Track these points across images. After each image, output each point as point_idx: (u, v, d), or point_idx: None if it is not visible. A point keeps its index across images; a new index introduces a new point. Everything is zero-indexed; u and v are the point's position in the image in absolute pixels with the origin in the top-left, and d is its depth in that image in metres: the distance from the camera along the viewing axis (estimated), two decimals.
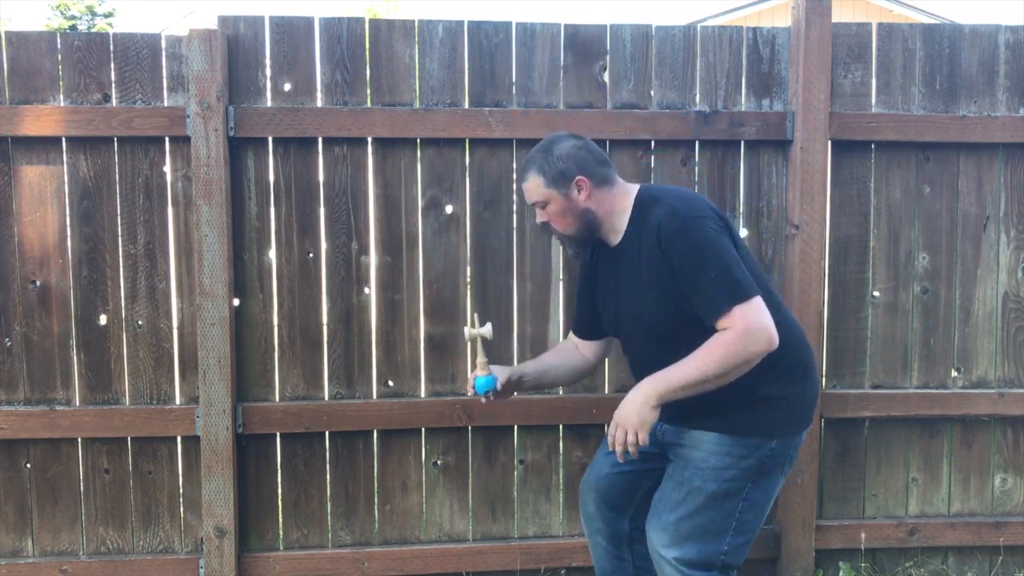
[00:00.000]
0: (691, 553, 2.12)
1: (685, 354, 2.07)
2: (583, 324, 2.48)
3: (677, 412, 2.15)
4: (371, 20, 2.78)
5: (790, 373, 2.14)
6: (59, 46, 2.69)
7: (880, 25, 2.91)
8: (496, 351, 2.87)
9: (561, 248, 2.85)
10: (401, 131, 2.75)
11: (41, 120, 2.66)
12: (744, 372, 2.01)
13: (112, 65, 2.70)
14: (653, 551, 2.19)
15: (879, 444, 3.01)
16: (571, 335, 2.55)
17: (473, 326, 2.35)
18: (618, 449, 2.09)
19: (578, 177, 2.18)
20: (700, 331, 2.05)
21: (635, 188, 2.24)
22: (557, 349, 2.57)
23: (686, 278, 2.05)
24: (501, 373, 2.36)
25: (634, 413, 2.06)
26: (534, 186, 2.22)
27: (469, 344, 2.38)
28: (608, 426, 2.90)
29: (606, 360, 2.89)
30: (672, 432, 2.22)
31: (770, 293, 2.16)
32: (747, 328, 1.98)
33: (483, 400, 2.37)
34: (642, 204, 2.18)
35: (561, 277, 2.88)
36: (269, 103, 2.75)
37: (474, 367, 2.37)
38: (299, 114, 2.72)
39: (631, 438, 2.06)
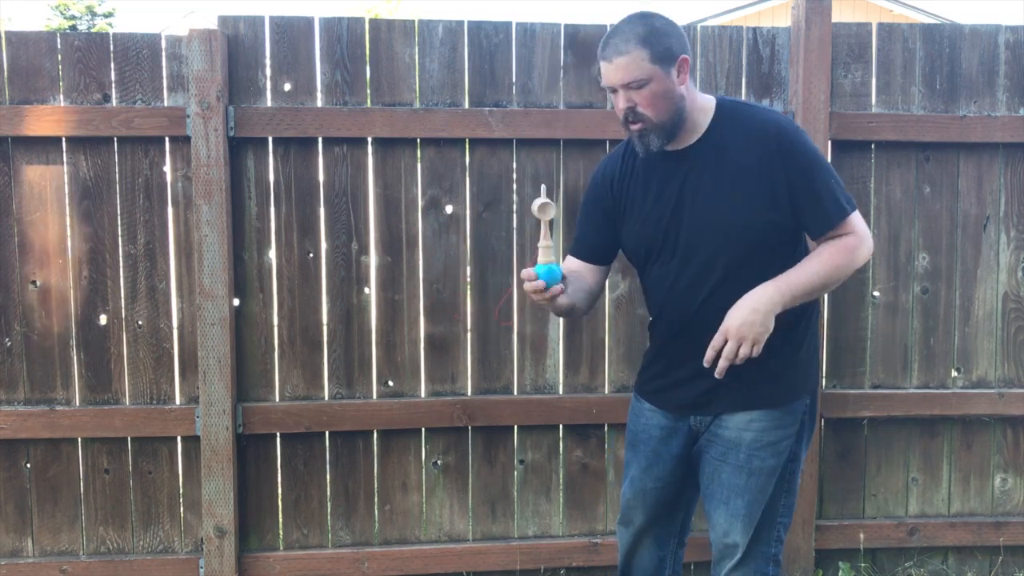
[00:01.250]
0: (759, 530, 2.10)
1: (755, 278, 1.94)
2: (592, 243, 2.20)
3: (715, 400, 2.07)
4: (371, 20, 2.78)
5: (810, 320, 2.13)
6: (59, 46, 2.69)
7: (880, 25, 2.91)
8: (496, 351, 2.87)
9: (561, 248, 2.85)
10: (401, 131, 2.75)
11: (41, 120, 2.66)
12: (846, 279, 2.04)
13: (112, 65, 2.70)
14: (721, 534, 2.12)
15: (879, 444, 3.01)
16: (571, 262, 2.23)
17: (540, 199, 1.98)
18: (722, 364, 1.91)
19: (682, 56, 1.96)
20: (779, 256, 1.99)
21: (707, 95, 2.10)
22: (571, 275, 2.13)
23: (808, 183, 1.96)
24: None
25: (757, 322, 1.89)
26: (636, 60, 1.91)
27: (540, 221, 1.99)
28: (607, 427, 2.92)
29: (605, 359, 2.90)
30: (706, 422, 2.12)
31: None
32: (865, 233, 2.02)
33: (555, 290, 1.95)
34: (730, 109, 2.04)
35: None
36: (269, 103, 2.75)
37: (535, 252, 2.04)
38: (299, 114, 2.72)
39: (745, 350, 1.90)
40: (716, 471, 2.11)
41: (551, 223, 1.99)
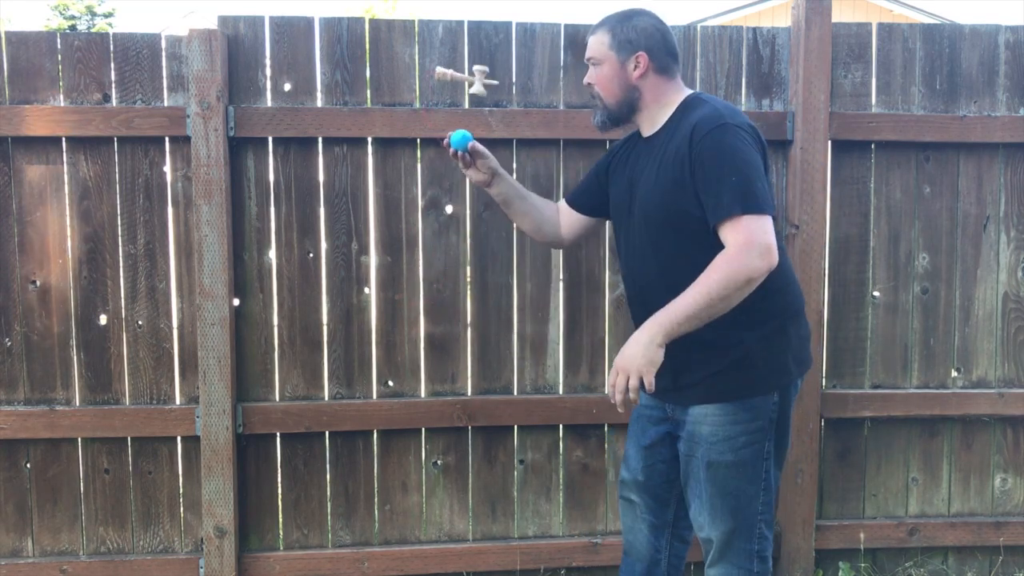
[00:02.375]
0: (728, 524, 2.11)
1: (682, 269, 2.01)
2: (581, 194, 2.45)
3: (674, 390, 2.13)
4: (371, 20, 2.78)
5: (779, 316, 2.09)
6: (59, 46, 2.69)
7: (880, 25, 2.91)
8: (496, 351, 2.87)
9: (561, 248, 2.85)
10: (401, 131, 2.75)
11: (41, 120, 2.66)
12: (746, 294, 1.92)
13: (112, 65, 2.70)
14: (697, 528, 2.17)
15: (879, 444, 3.01)
16: (561, 201, 2.50)
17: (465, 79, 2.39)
18: (618, 397, 1.96)
19: (640, 52, 2.13)
20: (701, 250, 2.00)
21: (688, 91, 2.21)
22: (545, 200, 2.53)
23: (704, 175, 1.98)
24: (487, 153, 2.36)
25: (638, 354, 1.93)
26: (598, 41, 2.17)
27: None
28: (607, 427, 2.92)
29: (605, 359, 2.90)
30: (679, 410, 2.18)
31: (779, 231, 2.16)
32: (749, 242, 1.91)
33: (452, 152, 2.32)
34: (688, 104, 2.14)
35: (561, 277, 2.89)
36: (269, 103, 2.75)
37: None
38: (299, 114, 2.72)
39: (633, 382, 1.94)
40: (686, 466, 2.17)
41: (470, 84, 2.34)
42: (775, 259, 1.94)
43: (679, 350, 2.02)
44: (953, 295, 2.97)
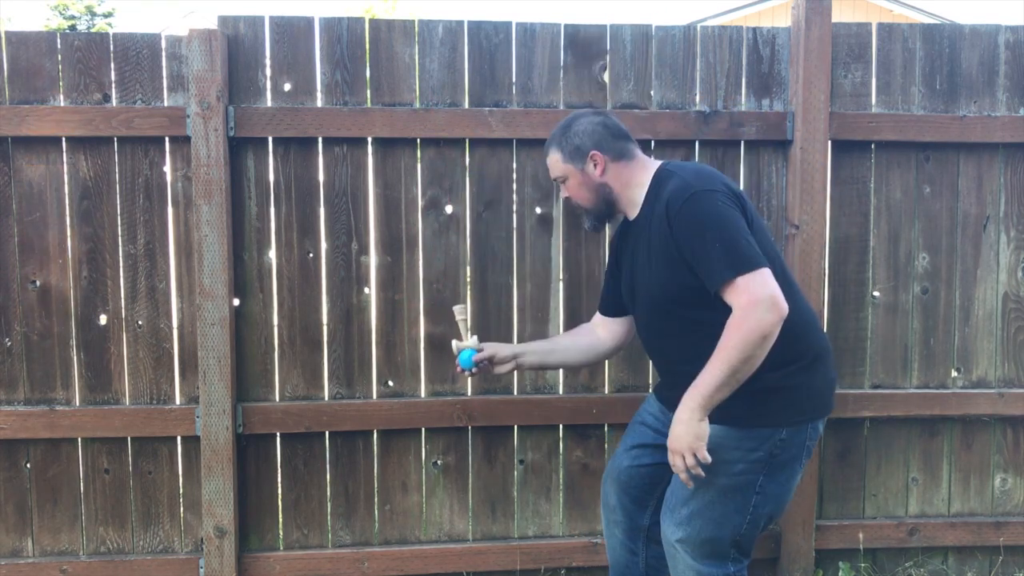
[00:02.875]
0: (700, 539, 2.13)
1: (691, 331, 2.10)
2: (606, 299, 2.50)
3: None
4: (371, 20, 2.78)
5: (798, 360, 2.11)
6: (59, 46, 2.69)
7: (880, 25, 2.91)
8: None
9: (561, 248, 2.85)
10: (401, 131, 2.74)
11: (41, 120, 2.66)
12: (768, 348, 1.97)
13: (112, 65, 2.70)
14: (666, 543, 2.20)
15: (879, 444, 3.01)
16: (596, 315, 2.55)
17: (464, 327, 2.42)
18: (682, 477, 2.07)
19: (592, 152, 2.23)
20: (709, 306, 2.06)
21: (656, 164, 2.25)
22: (574, 329, 2.60)
23: (691, 249, 2.04)
24: (498, 348, 2.42)
25: (685, 434, 2.03)
26: (553, 161, 2.30)
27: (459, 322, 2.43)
28: (607, 427, 2.92)
29: (611, 354, 2.90)
30: None
31: (786, 273, 2.17)
32: (752, 301, 1.95)
33: (468, 374, 2.40)
34: (659, 179, 2.19)
35: (561, 277, 2.88)
36: (269, 103, 2.75)
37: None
38: (299, 114, 2.72)
39: (690, 460, 2.04)
40: (674, 478, 2.20)
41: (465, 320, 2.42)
42: (784, 307, 1.98)
43: (700, 368, 2.06)
44: (953, 295, 2.97)
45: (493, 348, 2.42)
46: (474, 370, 2.38)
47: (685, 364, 2.12)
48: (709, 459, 2.04)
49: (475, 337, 2.42)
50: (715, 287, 2.01)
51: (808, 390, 2.14)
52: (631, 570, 2.46)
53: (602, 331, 2.49)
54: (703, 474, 2.06)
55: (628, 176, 2.24)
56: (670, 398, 2.23)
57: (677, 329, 2.17)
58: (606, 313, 2.49)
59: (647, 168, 2.24)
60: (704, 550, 2.14)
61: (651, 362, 2.35)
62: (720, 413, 2.08)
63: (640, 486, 2.37)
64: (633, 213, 2.27)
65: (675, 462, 2.07)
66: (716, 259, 1.99)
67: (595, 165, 2.24)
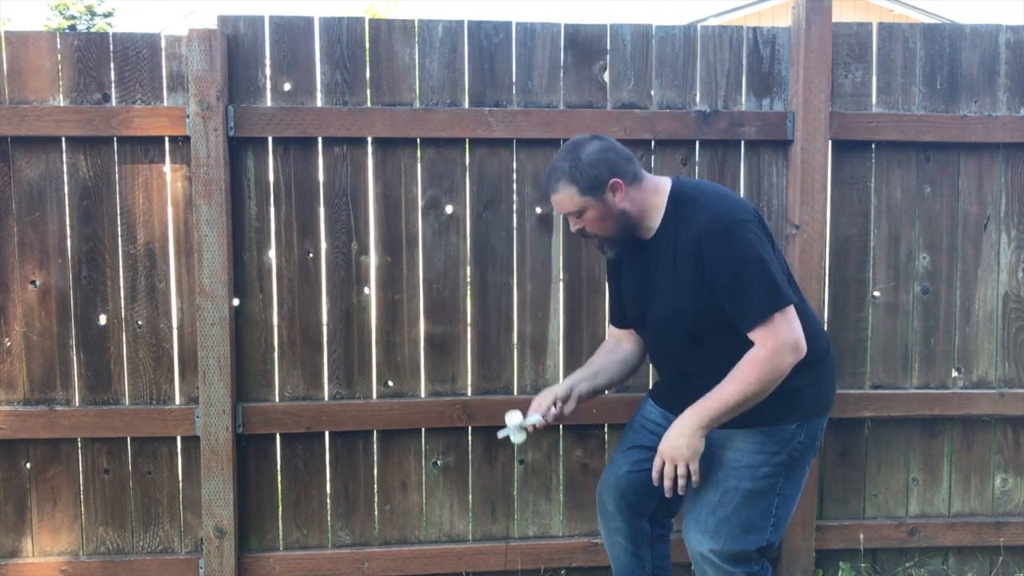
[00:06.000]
0: (731, 548, 2.15)
1: (710, 351, 2.11)
2: (619, 313, 2.44)
3: None
4: (371, 20, 2.78)
5: (810, 361, 2.14)
6: (59, 46, 2.69)
7: (880, 25, 2.91)
8: (496, 350, 2.87)
9: (561, 248, 2.85)
10: (401, 131, 2.74)
11: (41, 120, 2.66)
12: (779, 383, 2.04)
13: (112, 65, 2.70)
14: (693, 552, 2.20)
15: (879, 444, 3.00)
16: (610, 328, 2.53)
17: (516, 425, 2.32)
18: (667, 484, 2.11)
19: (612, 180, 2.13)
20: (728, 330, 2.09)
21: (667, 182, 2.21)
22: (602, 348, 2.53)
23: (725, 285, 2.05)
24: (553, 390, 2.34)
25: (683, 446, 2.07)
26: (567, 197, 2.14)
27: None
28: (607, 427, 2.92)
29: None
30: None
31: (792, 281, 2.20)
32: (780, 344, 2.02)
33: (536, 427, 2.32)
34: (678, 201, 2.16)
35: (561, 277, 2.88)
36: (269, 103, 2.75)
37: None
38: (299, 114, 2.72)
39: (682, 470, 2.09)
40: (697, 487, 2.20)
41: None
42: (804, 351, 2.06)
43: (711, 384, 2.10)
44: (953, 295, 2.96)
45: (550, 394, 2.33)
46: (547, 421, 2.30)
47: (695, 378, 2.16)
48: (697, 478, 2.10)
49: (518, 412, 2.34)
50: (749, 326, 2.05)
51: (818, 386, 2.20)
52: (637, 574, 2.44)
53: (626, 343, 2.46)
54: (684, 487, 2.11)
55: (644, 200, 2.18)
56: (674, 404, 2.24)
57: (691, 348, 2.18)
58: (622, 326, 2.45)
59: (660, 189, 2.19)
60: (733, 557, 2.15)
61: (652, 366, 2.34)
62: (743, 419, 2.11)
63: (639, 491, 2.36)
64: (648, 235, 2.22)
65: (666, 470, 2.10)
66: (754, 297, 2.03)
67: (615, 193, 2.14)
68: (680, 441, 2.07)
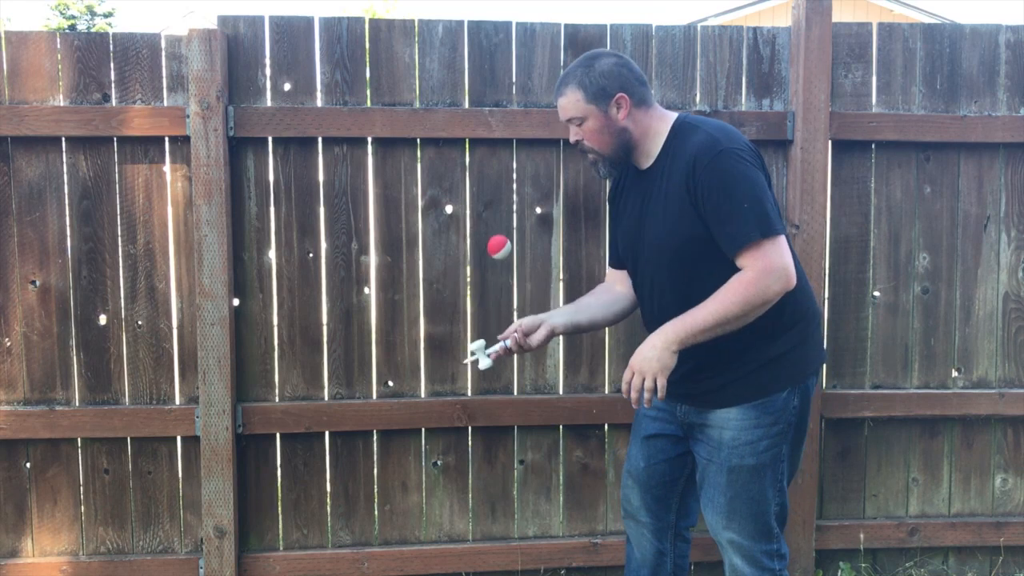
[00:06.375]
0: (748, 524, 2.15)
1: (697, 291, 2.06)
2: (614, 250, 2.41)
3: (696, 393, 2.17)
4: (371, 20, 2.78)
5: (799, 323, 2.14)
6: (59, 46, 2.69)
7: (880, 25, 2.91)
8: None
9: (561, 248, 2.85)
10: (401, 131, 2.74)
11: (41, 120, 2.66)
12: (762, 312, 1.99)
13: (112, 65, 2.70)
14: (718, 540, 2.22)
15: (879, 444, 3.00)
16: (608, 271, 2.48)
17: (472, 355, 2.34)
18: (633, 395, 2.03)
19: (619, 94, 2.11)
20: (715, 269, 2.05)
21: (673, 115, 2.20)
22: (592, 290, 2.50)
23: (715, 206, 2.01)
24: (523, 320, 2.31)
25: (654, 358, 2.01)
26: (572, 101, 2.14)
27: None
28: (607, 427, 2.92)
29: (605, 359, 2.90)
30: (694, 413, 2.21)
31: (788, 240, 2.16)
32: (767, 267, 1.96)
33: (508, 350, 2.31)
34: (679, 130, 2.14)
35: (561, 277, 2.88)
36: (269, 103, 2.75)
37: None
38: (299, 114, 2.72)
39: (648, 383, 2.01)
40: (704, 470, 2.20)
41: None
42: (792, 282, 2.00)
43: (697, 356, 2.07)
44: (953, 295, 2.96)
45: (517, 321, 2.32)
46: (511, 346, 2.28)
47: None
48: (664, 394, 2.02)
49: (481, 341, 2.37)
50: (737, 246, 1.99)
51: (803, 348, 2.17)
52: (659, 571, 2.41)
53: (620, 286, 2.41)
54: (650, 400, 2.03)
55: (647, 124, 2.16)
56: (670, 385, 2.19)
57: (676, 282, 2.13)
58: (617, 266, 2.41)
59: (665, 118, 2.18)
60: (753, 530, 2.15)
61: (645, 325, 2.28)
62: (734, 395, 2.10)
63: (661, 482, 2.33)
64: (646, 163, 2.19)
65: (634, 382, 2.03)
66: (741, 220, 1.98)
67: (619, 108, 2.12)
68: (651, 354, 2.01)
